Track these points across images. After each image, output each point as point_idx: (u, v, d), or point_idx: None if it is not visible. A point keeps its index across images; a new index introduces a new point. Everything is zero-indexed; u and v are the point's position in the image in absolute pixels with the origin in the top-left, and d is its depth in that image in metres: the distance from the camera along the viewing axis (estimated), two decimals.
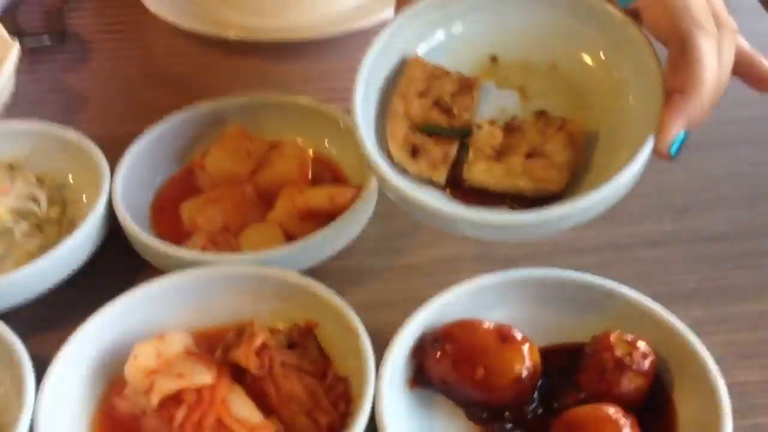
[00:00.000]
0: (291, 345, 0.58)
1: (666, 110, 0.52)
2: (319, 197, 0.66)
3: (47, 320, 0.63)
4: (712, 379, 0.53)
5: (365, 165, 0.57)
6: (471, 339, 0.55)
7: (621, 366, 0.54)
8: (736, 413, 0.53)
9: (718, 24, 0.53)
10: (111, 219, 0.66)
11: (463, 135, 0.58)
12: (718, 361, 0.55)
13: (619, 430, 0.51)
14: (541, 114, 0.59)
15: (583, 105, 0.59)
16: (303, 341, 0.58)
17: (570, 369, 0.57)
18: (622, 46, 0.58)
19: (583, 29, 0.60)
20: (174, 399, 0.52)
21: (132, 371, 0.54)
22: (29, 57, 0.86)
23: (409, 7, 0.60)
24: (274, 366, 0.55)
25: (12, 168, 0.71)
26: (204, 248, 0.64)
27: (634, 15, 0.56)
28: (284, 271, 0.60)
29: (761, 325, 0.63)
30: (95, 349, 0.58)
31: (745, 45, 0.57)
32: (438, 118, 0.58)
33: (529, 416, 0.55)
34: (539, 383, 0.56)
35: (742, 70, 0.56)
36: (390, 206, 0.67)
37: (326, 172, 0.71)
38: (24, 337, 0.57)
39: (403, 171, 0.56)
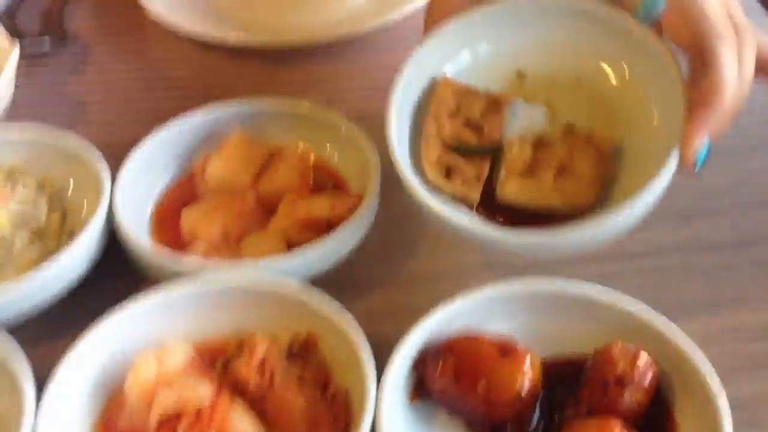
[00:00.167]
0: (292, 355, 0.58)
1: (689, 122, 0.52)
2: (320, 206, 0.66)
3: (47, 331, 0.62)
4: (713, 392, 0.53)
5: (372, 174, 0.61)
6: (472, 352, 0.55)
7: (623, 381, 0.54)
8: (738, 426, 0.52)
9: (737, 30, 0.54)
10: (111, 227, 0.66)
11: (494, 152, 0.60)
12: (721, 373, 0.55)
13: None
14: (568, 128, 0.61)
15: (609, 118, 0.61)
16: (304, 353, 0.58)
17: (572, 382, 0.56)
18: (644, 58, 0.59)
19: (605, 43, 0.61)
20: (174, 415, 0.52)
21: (132, 385, 0.54)
22: (28, 60, 0.86)
23: (435, 29, 0.62)
24: (275, 379, 0.54)
25: (12, 174, 0.71)
26: (205, 257, 0.63)
27: (656, 25, 0.57)
28: (285, 281, 0.60)
29: (764, 336, 0.63)
30: (95, 361, 0.57)
31: (766, 43, 0.56)
32: (469, 138, 0.61)
33: (531, 430, 0.55)
34: (541, 396, 0.56)
35: (765, 71, 0.56)
36: (392, 214, 0.68)
37: (328, 180, 0.71)
38: (23, 348, 0.57)
39: (438, 190, 0.58)
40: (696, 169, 0.53)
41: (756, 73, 0.54)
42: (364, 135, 0.70)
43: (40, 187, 0.71)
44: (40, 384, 0.55)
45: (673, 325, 0.57)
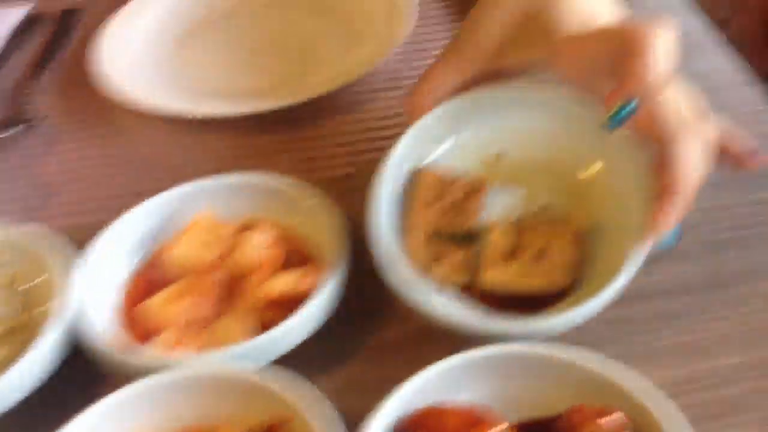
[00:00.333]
0: None
1: (656, 210, 0.59)
2: (284, 284, 0.66)
3: None
4: None
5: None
6: (441, 428, 0.55)
7: None
8: None
9: (698, 121, 0.60)
10: (77, 326, 0.65)
11: (475, 237, 0.65)
12: (694, 422, 0.54)
13: None
14: (545, 211, 0.66)
15: (584, 201, 0.66)
16: None
17: None
18: (615, 149, 0.65)
19: (581, 134, 0.67)
20: None
21: None
22: None
23: (419, 122, 0.68)
24: None
25: None
26: (172, 348, 0.63)
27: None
28: (250, 368, 0.59)
29: (733, 379, 0.62)
30: None
31: (724, 129, 0.65)
32: (452, 224, 0.65)
33: None
34: None
35: (722, 155, 0.64)
36: (361, 285, 0.67)
37: (297, 253, 0.70)
38: None
39: (423, 277, 0.62)
40: (665, 249, 0.61)
41: (717, 156, 0.62)
42: (331, 204, 0.70)
43: (11, 281, 0.70)
44: None
45: (642, 379, 0.56)
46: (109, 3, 1.04)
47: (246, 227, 0.72)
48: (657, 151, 0.60)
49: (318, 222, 0.71)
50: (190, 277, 0.68)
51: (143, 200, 0.73)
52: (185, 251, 0.70)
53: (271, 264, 0.68)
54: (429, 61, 0.92)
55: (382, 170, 0.66)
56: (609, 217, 0.64)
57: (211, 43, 1.02)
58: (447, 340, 0.62)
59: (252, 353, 0.61)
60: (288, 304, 0.65)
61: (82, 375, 0.65)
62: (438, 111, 0.67)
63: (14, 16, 1.05)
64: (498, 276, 0.63)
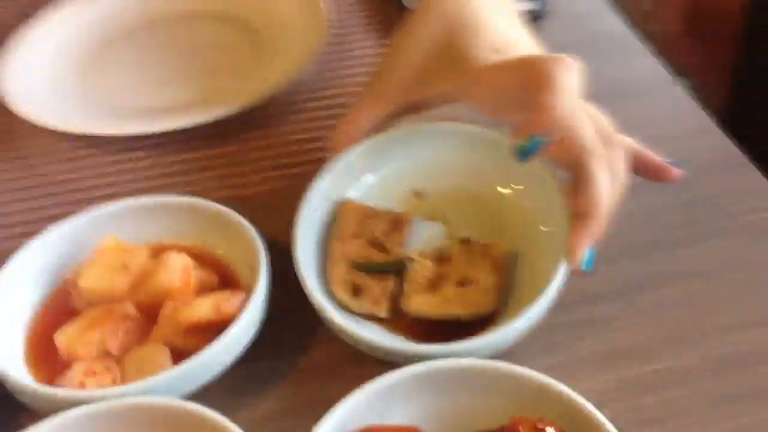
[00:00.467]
0: None
1: (573, 234, 0.60)
2: (203, 309, 0.62)
3: None
4: None
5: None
6: None
7: None
8: None
9: (607, 143, 0.61)
10: None
11: (398, 269, 0.66)
12: (630, 429, 0.55)
13: None
14: (466, 241, 0.67)
15: (502, 230, 0.68)
16: None
17: None
18: (528, 178, 0.68)
19: (496, 167, 0.69)
20: None
21: None
22: None
23: (340, 158, 0.69)
24: None
25: None
26: (83, 381, 0.59)
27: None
28: (169, 400, 0.56)
29: (660, 385, 0.62)
30: None
31: (636, 147, 0.66)
32: (373, 256, 0.66)
33: None
34: None
35: (639, 169, 0.65)
36: (283, 306, 0.64)
37: (213, 276, 0.67)
38: None
39: (347, 309, 0.63)
40: (584, 271, 0.60)
41: (636, 170, 0.65)
42: (249, 225, 0.67)
43: None
44: None
45: (567, 389, 0.55)
46: (15, 20, 1.00)
47: (159, 251, 0.68)
48: (570, 176, 0.61)
49: (236, 243, 0.68)
50: (100, 306, 0.64)
51: (47, 228, 0.69)
52: (93, 280, 0.66)
53: (188, 288, 0.65)
54: (353, 71, 0.91)
55: (304, 202, 0.67)
56: (529, 244, 0.66)
57: (122, 59, 0.97)
58: (374, 361, 0.61)
59: (175, 383, 0.58)
60: (209, 329, 0.62)
61: None
62: (359, 148, 0.70)
63: None
64: (423, 304, 0.64)
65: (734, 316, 0.66)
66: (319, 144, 0.82)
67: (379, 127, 0.71)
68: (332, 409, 0.55)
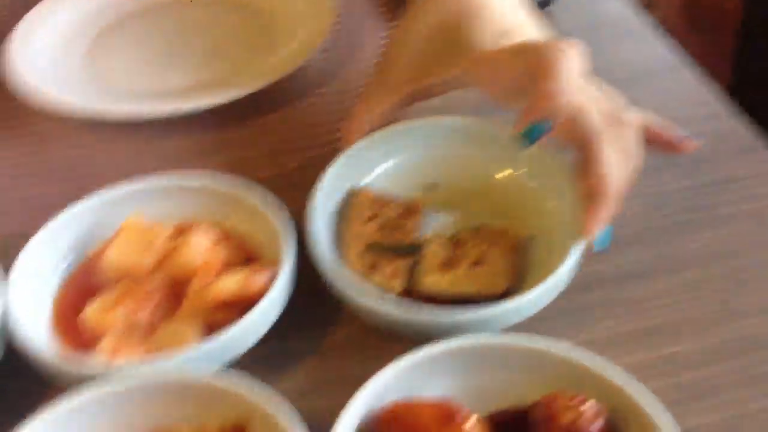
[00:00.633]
0: None
1: (586, 214, 0.60)
2: (231, 286, 0.62)
3: None
4: (664, 429, 0.51)
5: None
6: (412, 423, 0.52)
7: None
8: None
9: (616, 122, 0.62)
10: (9, 335, 0.60)
11: (412, 251, 0.66)
12: (669, 406, 0.53)
13: None
14: (480, 228, 0.67)
15: (517, 215, 0.69)
16: None
17: None
18: (539, 163, 0.69)
19: (504, 154, 0.70)
20: None
21: None
22: None
23: (353, 146, 0.70)
24: None
25: None
26: (114, 355, 0.59)
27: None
28: (203, 373, 0.56)
29: (703, 362, 0.61)
30: None
31: (648, 121, 0.66)
32: (388, 239, 0.67)
33: None
34: None
35: (650, 143, 0.65)
36: (311, 282, 0.64)
37: (238, 253, 0.67)
38: None
39: (361, 286, 0.62)
40: (601, 250, 0.61)
41: (649, 144, 0.64)
42: (274, 202, 0.67)
43: None
44: None
45: (611, 364, 0.55)
46: (19, 5, 0.99)
47: (182, 230, 0.68)
48: (579, 157, 0.62)
49: (259, 220, 0.67)
50: (125, 282, 0.64)
51: (67, 209, 0.68)
52: (118, 256, 0.65)
53: (214, 265, 0.64)
54: (363, 54, 0.91)
55: (318, 188, 0.67)
56: (544, 228, 0.67)
57: (129, 42, 0.97)
58: (398, 339, 0.60)
59: (206, 356, 0.57)
60: (236, 306, 0.62)
61: (19, 386, 0.61)
62: (373, 137, 0.71)
63: None
64: (438, 281, 0.64)
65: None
66: (333, 127, 0.81)
67: (389, 117, 0.72)
68: (366, 384, 0.54)
